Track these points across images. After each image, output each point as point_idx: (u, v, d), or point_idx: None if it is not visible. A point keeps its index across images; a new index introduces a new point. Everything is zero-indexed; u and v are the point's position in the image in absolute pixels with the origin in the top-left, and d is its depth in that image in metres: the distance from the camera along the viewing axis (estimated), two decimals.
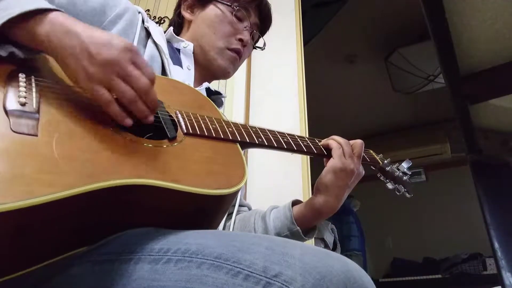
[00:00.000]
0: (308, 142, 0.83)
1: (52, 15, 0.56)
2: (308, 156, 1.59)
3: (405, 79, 3.42)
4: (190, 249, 0.48)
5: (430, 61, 3.10)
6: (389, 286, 3.76)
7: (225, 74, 0.95)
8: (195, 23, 0.96)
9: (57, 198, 0.43)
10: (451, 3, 1.58)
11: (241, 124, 0.75)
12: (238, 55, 0.94)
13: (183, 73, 0.88)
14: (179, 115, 0.68)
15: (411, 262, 3.92)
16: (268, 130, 0.79)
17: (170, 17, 2.18)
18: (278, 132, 0.81)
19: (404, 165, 1.00)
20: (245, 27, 0.95)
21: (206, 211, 0.60)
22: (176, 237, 0.51)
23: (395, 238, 4.19)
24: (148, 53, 0.82)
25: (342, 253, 3.31)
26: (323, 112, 3.73)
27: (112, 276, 0.49)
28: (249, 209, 1.04)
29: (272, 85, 1.87)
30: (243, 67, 1.87)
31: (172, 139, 0.61)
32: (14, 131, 0.48)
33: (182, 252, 0.48)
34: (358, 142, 0.84)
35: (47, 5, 0.56)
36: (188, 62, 0.91)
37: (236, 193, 0.61)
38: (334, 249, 3.08)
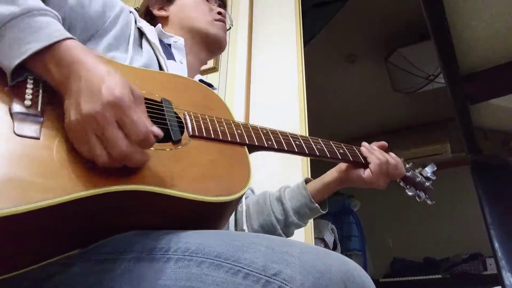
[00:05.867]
0: (323, 145, 0.81)
1: (63, 46, 0.53)
2: (309, 158, 1.59)
3: (405, 79, 3.41)
4: (190, 248, 0.48)
5: (430, 61, 3.10)
6: (389, 286, 3.76)
7: (222, 42, 1.01)
8: (175, 15, 1.01)
9: (51, 204, 0.43)
10: (451, 3, 1.58)
11: (251, 126, 0.73)
12: (224, 24, 1.03)
13: (177, 67, 0.90)
14: (187, 116, 0.66)
15: (411, 262, 3.91)
16: (280, 132, 0.76)
17: None
18: (291, 134, 0.77)
19: (428, 170, 0.95)
20: (215, 4, 1.05)
21: (208, 216, 0.59)
22: (176, 236, 0.51)
23: (395, 238, 4.18)
24: (145, 52, 0.83)
25: (342, 253, 3.31)
26: (323, 112, 3.73)
27: (113, 275, 0.49)
28: (252, 191, 1.05)
29: (272, 85, 1.87)
30: (243, 67, 1.87)
31: (177, 142, 0.60)
32: (17, 134, 0.49)
33: (182, 251, 0.48)
34: (399, 166, 0.88)
35: (58, 36, 0.53)
36: (180, 56, 0.93)
37: (239, 198, 0.60)
38: (334, 249, 3.08)
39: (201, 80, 0.95)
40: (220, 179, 0.59)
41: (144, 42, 0.85)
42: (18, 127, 0.49)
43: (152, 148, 0.57)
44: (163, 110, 0.64)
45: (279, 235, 0.90)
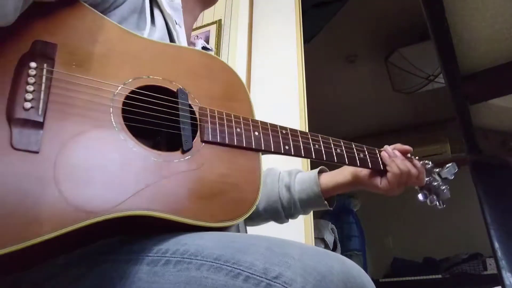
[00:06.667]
0: (343, 149, 0.74)
1: None
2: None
3: (405, 79, 3.41)
4: (189, 250, 0.47)
5: (430, 61, 3.10)
6: (389, 286, 3.75)
7: None
8: None
9: (49, 238, 0.42)
10: (451, 3, 1.58)
11: (271, 125, 0.68)
12: None
13: (183, 33, 0.83)
14: (203, 116, 0.60)
15: (411, 262, 3.91)
16: (300, 132, 0.70)
17: None
18: (311, 136, 0.72)
19: (448, 171, 0.86)
20: None
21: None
22: (174, 237, 0.51)
23: (395, 238, 4.18)
24: (159, 25, 0.75)
25: (342, 253, 3.31)
26: (324, 112, 3.72)
27: (111, 277, 0.49)
28: None
29: (272, 85, 1.87)
30: (243, 66, 1.86)
31: (187, 150, 0.55)
32: (14, 148, 0.44)
33: (181, 253, 0.47)
34: (420, 176, 0.82)
35: None
36: (178, 18, 0.85)
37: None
38: (334, 249, 3.08)
39: (204, 47, 0.90)
40: (228, 199, 0.56)
41: (156, 11, 0.77)
42: (16, 138, 0.44)
43: (160, 160, 0.53)
44: (177, 109, 0.59)
45: (282, 220, 0.89)
